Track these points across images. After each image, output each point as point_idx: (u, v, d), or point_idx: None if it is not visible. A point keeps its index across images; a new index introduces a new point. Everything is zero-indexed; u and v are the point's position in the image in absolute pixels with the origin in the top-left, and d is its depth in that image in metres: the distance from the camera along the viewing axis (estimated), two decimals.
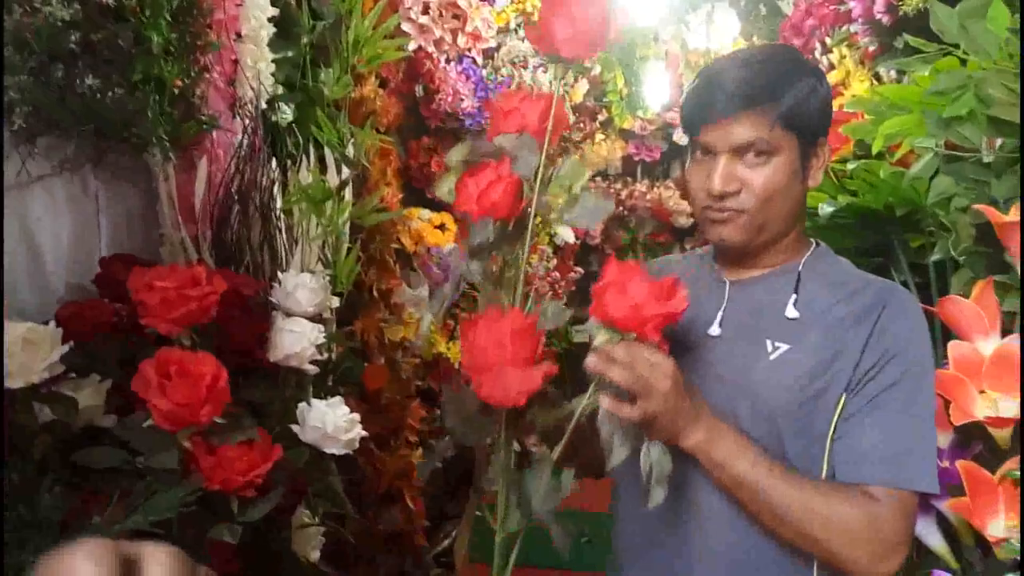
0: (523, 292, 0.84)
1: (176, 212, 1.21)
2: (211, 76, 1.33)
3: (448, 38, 2.10)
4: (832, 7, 2.32)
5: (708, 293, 1.01)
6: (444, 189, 0.85)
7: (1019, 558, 0.80)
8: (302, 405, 1.16)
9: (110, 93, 1.07)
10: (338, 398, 1.18)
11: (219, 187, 1.32)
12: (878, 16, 1.88)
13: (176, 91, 1.24)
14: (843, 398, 0.89)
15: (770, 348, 0.92)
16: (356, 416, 1.19)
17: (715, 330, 0.97)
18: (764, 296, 0.97)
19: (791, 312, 0.94)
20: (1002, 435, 0.93)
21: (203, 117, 1.28)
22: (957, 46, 1.18)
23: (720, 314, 0.98)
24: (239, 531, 0.96)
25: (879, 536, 0.85)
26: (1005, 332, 0.99)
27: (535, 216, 0.83)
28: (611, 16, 0.83)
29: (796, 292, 0.95)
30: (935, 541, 1.02)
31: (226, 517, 0.99)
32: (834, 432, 0.90)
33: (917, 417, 0.89)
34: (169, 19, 1.19)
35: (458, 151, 0.86)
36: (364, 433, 1.19)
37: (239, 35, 1.41)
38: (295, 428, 1.14)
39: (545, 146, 0.83)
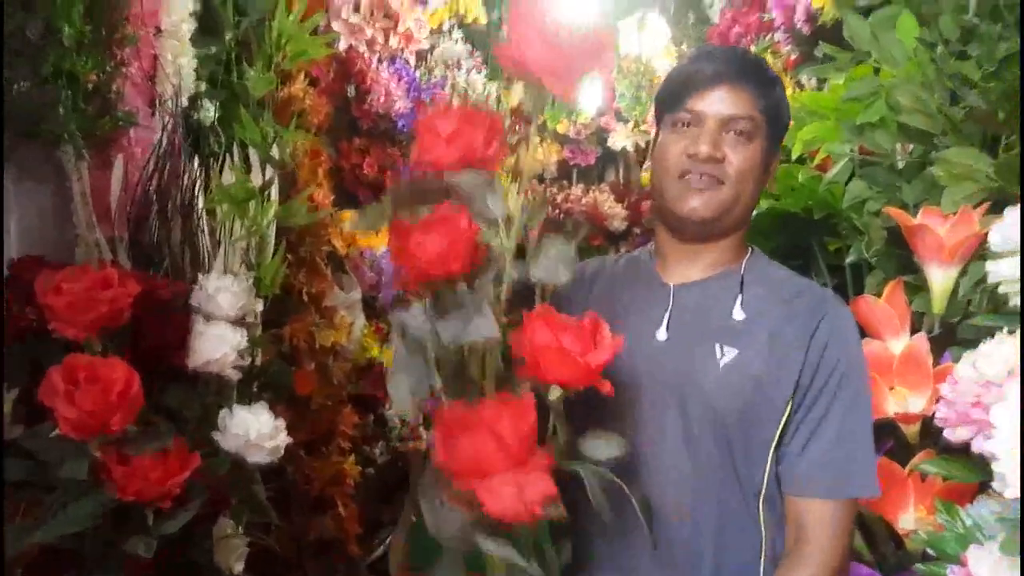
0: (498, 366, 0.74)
1: (91, 212, 1.17)
2: (128, 71, 1.29)
3: (380, 38, 2.08)
4: (756, 16, 2.38)
5: (651, 296, 1.00)
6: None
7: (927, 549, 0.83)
8: (223, 412, 1.12)
9: (15, 86, 1.03)
10: (261, 404, 1.15)
11: (137, 186, 1.28)
12: (799, 25, 1.94)
13: (90, 86, 1.19)
14: (788, 405, 0.90)
15: (719, 353, 0.92)
16: (281, 423, 1.16)
17: (662, 334, 0.96)
18: (709, 299, 0.97)
19: (738, 314, 0.94)
20: (911, 430, 0.96)
21: (119, 113, 1.24)
22: (870, 55, 1.22)
23: (666, 318, 0.97)
24: (154, 544, 0.92)
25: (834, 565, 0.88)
26: (914, 330, 1.03)
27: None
28: (601, 41, 0.72)
29: (741, 293, 0.96)
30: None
31: (141, 530, 0.95)
32: (778, 440, 0.90)
33: (858, 425, 0.90)
34: (82, 10, 1.14)
35: (400, 193, 0.74)
36: (289, 440, 1.17)
37: (159, 29, 1.37)
38: (216, 436, 1.11)
39: (522, 185, 0.74)
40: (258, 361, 1.35)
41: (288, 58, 1.18)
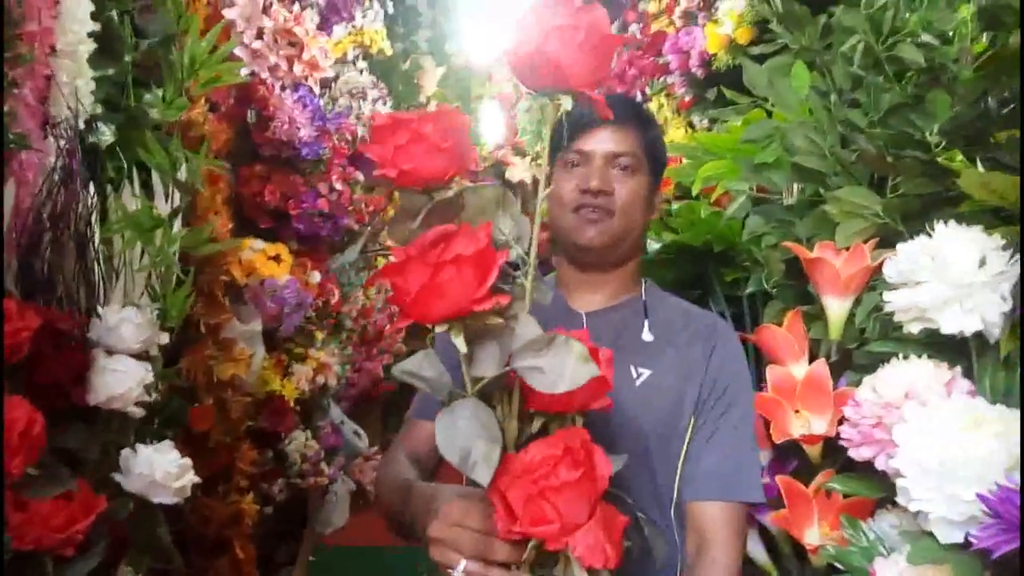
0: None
1: None
2: (20, 92, 1.22)
3: (284, 65, 2.05)
4: (651, 59, 2.51)
5: (564, 323, 1.02)
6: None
7: (833, 564, 0.89)
8: (126, 451, 1.06)
9: None
10: (167, 442, 1.10)
11: (28, 212, 1.20)
12: (693, 70, 2.06)
13: None
14: (691, 420, 0.98)
15: (634, 374, 1.01)
16: (187, 461, 1.11)
17: None
18: (618, 323, 1.06)
19: (647, 335, 1.04)
20: (814, 451, 1.02)
21: (11, 136, 1.17)
22: (765, 99, 1.31)
23: None
24: None
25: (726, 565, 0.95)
26: (812, 357, 1.10)
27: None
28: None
29: (647, 317, 1.05)
30: (758, 553, 1.11)
31: None
32: (685, 454, 0.98)
33: (745, 438, 1.01)
34: None
35: (412, 206, 0.70)
36: (197, 479, 1.12)
37: (54, 49, 1.30)
38: (117, 477, 1.05)
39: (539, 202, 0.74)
40: (158, 397, 1.28)
41: (200, 84, 1.15)
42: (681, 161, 1.77)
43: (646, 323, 1.05)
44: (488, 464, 0.64)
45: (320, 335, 2.31)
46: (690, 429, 1.00)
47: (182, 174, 1.27)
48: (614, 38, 0.74)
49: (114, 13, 1.45)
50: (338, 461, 2.51)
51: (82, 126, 1.32)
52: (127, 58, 1.44)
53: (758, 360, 1.60)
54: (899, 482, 0.76)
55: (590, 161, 1.07)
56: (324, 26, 2.28)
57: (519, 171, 3.86)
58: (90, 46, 1.34)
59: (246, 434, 1.99)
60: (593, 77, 0.72)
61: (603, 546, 0.65)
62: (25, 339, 0.87)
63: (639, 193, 1.08)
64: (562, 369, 0.66)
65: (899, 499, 0.77)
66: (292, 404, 2.20)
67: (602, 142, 1.07)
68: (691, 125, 2.37)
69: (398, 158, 0.69)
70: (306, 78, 2.12)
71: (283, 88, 2.10)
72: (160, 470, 1.05)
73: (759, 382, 1.24)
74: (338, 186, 2.20)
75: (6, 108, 1.17)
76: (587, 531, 0.64)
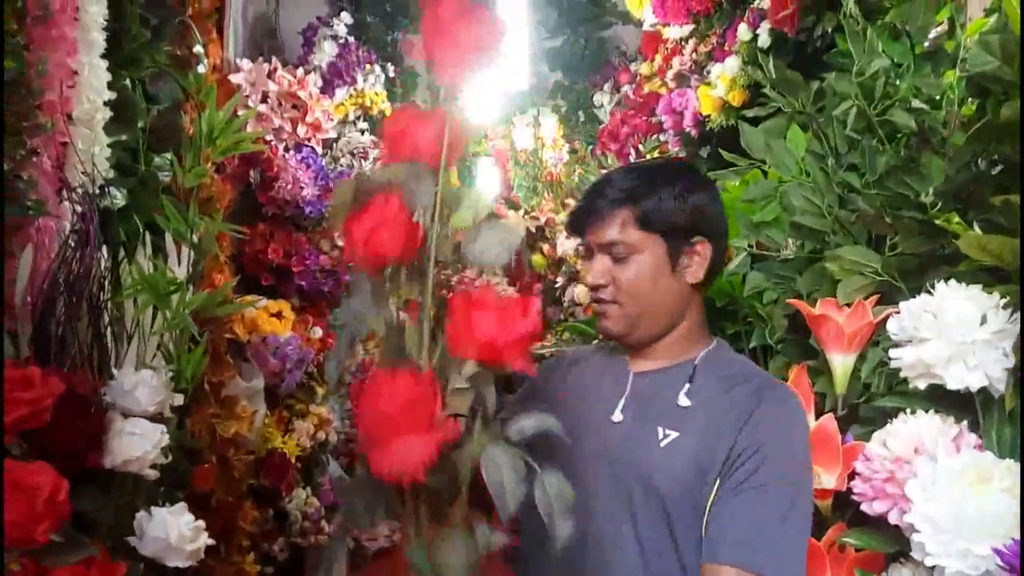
0: (430, 342, 0.77)
1: None
2: (39, 160, 1.25)
3: (288, 127, 2.10)
4: (644, 118, 2.58)
5: (614, 382, 1.07)
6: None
7: None
8: (140, 515, 1.06)
9: None
10: (181, 504, 1.10)
11: (44, 277, 1.22)
12: (687, 129, 2.12)
13: None
14: (716, 483, 0.95)
15: (661, 435, 0.98)
16: (201, 524, 1.11)
17: (617, 416, 1.03)
18: (660, 386, 1.04)
19: (683, 401, 1.01)
20: (824, 505, 1.03)
21: (30, 202, 1.19)
22: (762, 160, 1.36)
23: (622, 402, 1.04)
24: None
25: None
26: (818, 412, 1.12)
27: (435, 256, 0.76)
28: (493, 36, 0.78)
29: (690, 382, 1.02)
30: None
31: None
32: (708, 515, 0.95)
33: (776, 507, 0.94)
34: None
35: (343, 190, 0.78)
36: (211, 542, 1.12)
37: (70, 117, 1.34)
38: (132, 541, 1.04)
39: (441, 172, 0.77)
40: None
41: (218, 152, 1.18)
42: None
43: (686, 388, 1.02)
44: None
45: (320, 390, 2.31)
46: (713, 494, 0.96)
47: (193, 237, 1.29)
48: None
49: (127, 81, 1.49)
50: (337, 519, 2.49)
51: (97, 191, 1.36)
52: (140, 124, 1.48)
53: None
54: (914, 537, 0.77)
55: (591, 253, 1.08)
56: (327, 89, 2.35)
57: (511, 223, 3.92)
58: (106, 113, 1.38)
59: (247, 492, 1.98)
60: None
61: (400, 462, 0.71)
62: (48, 406, 0.88)
63: (640, 275, 1.04)
64: (489, 241, 0.77)
65: (914, 554, 0.79)
66: (293, 461, 2.20)
67: (595, 233, 1.06)
68: None
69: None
70: (309, 139, 2.17)
71: (287, 149, 2.15)
72: (175, 533, 1.04)
73: None
74: (340, 243, 2.23)
75: (26, 176, 1.20)
76: (391, 443, 0.71)
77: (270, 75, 2.10)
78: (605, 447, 1.01)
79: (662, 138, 2.41)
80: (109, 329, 1.27)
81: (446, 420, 0.75)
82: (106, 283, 1.29)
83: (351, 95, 2.37)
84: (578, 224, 1.09)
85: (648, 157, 2.50)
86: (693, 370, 1.04)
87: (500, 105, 3.30)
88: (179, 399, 1.18)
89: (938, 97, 1.19)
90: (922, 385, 0.89)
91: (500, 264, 0.80)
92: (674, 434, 0.98)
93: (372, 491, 0.78)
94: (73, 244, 1.26)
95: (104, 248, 1.35)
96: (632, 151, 2.64)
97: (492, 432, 0.78)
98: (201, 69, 1.40)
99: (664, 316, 1.06)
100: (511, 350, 0.76)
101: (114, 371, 1.15)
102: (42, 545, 0.82)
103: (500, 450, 0.75)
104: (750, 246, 1.40)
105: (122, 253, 1.37)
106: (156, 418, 1.13)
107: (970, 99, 1.13)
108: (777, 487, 0.95)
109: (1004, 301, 0.86)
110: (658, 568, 0.96)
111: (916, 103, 1.12)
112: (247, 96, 2.04)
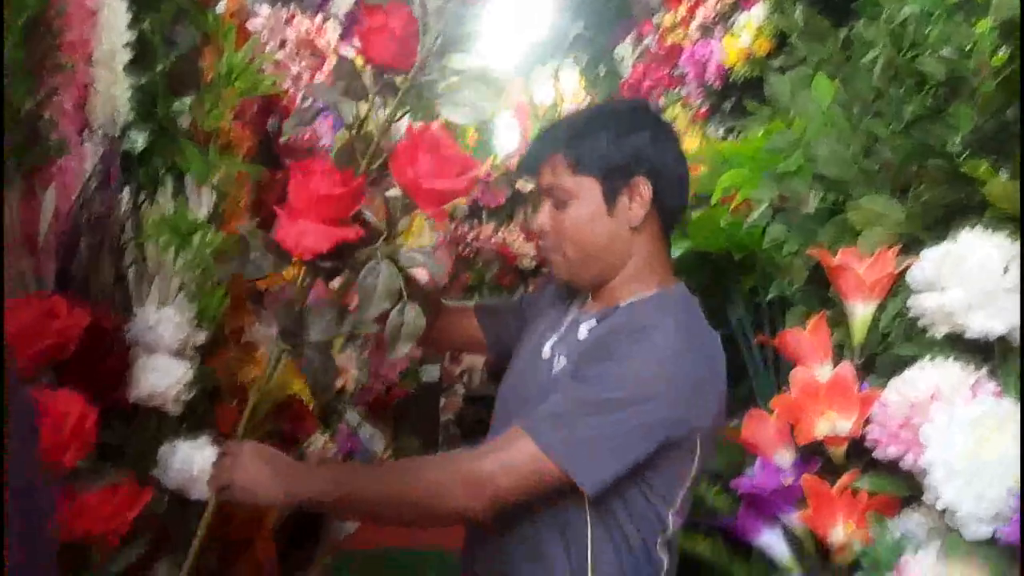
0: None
1: (21, 242, 1.12)
2: (59, 99, 1.25)
3: (306, 76, 2.08)
4: (666, 71, 2.54)
5: (555, 321, 1.16)
6: None
7: (858, 560, 0.91)
8: (164, 447, 1.09)
9: None
10: (204, 438, 1.13)
11: (66, 216, 1.23)
12: (710, 81, 2.09)
13: (21, 113, 1.15)
14: None
15: (557, 363, 1.07)
16: None
17: (546, 352, 1.11)
18: (582, 325, 1.09)
19: (583, 334, 1.07)
20: (838, 452, 1.04)
21: (51, 142, 1.20)
22: (786, 110, 1.34)
23: (554, 338, 1.12)
24: None
25: (474, 466, 0.96)
26: (835, 360, 1.12)
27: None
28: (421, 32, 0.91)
29: (598, 322, 1.07)
30: (782, 552, 1.13)
31: (82, 571, 0.91)
32: None
33: (595, 400, 0.95)
34: (20, 37, 1.11)
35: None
36: None
37: (91, 58, 1.34)
38: (156, 472, 1.07)
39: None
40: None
41: (237, 93, 1.18)
42: (697, 170, 1.80)
43: (592, 323, 1.07)
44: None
45: (339, 339, 2.33)
46: None
47: (215, 179, 1.30)
48: None
49: (147, 24, 1.49)
50: None
51: (119, 133, 1.36)
52: (159, 68, 1.48)
53: (776, 366, 1.63)
54: (926, 480, 0.78)
55: (539, 200, 1.11)
56: (345, 36, 2.32)
57: (500, 82, 3.90)
58: (126, 56, 1.38)
59: (267, 437, 2.01)
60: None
61: (298, 238, 0.89)
62: (74, 337, 0.90)
63: (579, 218, 1.04)
64: (468, 99, 0.92)
65: (926, 497, 0.79)
66: (311, 408, 2.23)
67: (536, 177, 1.09)
68: (705, 136, 2.40)
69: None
70: None
71: (304, 98, 2.13)
72: (198, 465, 1.07)
73: (779, 386, 1.26)
74: None
75: (47, 115, 1.21)
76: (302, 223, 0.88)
77: (288, 22, 2.08)
78: (523, 379, 1.12)
79: (683, 91, 2.38)
80: (131, 269, 1.29)
81: (354, 225, 0.89)
82: (127, 224, 1.31)
83: None
84: (520, 168, 1.14)
85: (669, 110, 2.48)
86: (616, 310, 1.06)
87: (520, 58, 3.26)
88: (201, 337, 1.19)
89: (969, 47, 1.17)
90: (941, 333, 0.88)
91: (468, 123, 0.95)
92: (564, 361, 1.05)
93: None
94: (95, 185, 1.27)
95: (126, 190, 1.36)
96: (654, 104, 2.61)
97: (388, 251, 0.91)
98: (220, 9, 1.39)
99: (603, 261, 1.07)
100: (428, 197, 0.89)
101: (136, 310, 1.17)
102: (70, 471, 0.84)
103: (384, 264, 0.89)
104: (772, 198, 1.38)
105: (142, 196, 1.38)
106: (179, 354, 1.15)
107: (1001, 49, 1.10)
108: (605, 385, 0.96)
109: None
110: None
111: (946, 52, 1.10)
112: (265, 43, 2.03)
